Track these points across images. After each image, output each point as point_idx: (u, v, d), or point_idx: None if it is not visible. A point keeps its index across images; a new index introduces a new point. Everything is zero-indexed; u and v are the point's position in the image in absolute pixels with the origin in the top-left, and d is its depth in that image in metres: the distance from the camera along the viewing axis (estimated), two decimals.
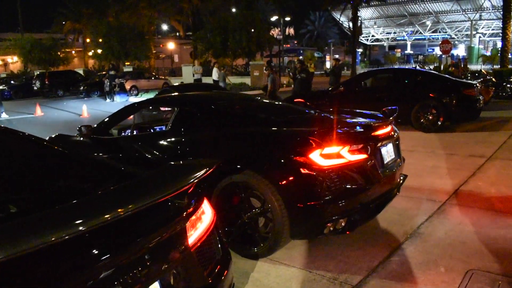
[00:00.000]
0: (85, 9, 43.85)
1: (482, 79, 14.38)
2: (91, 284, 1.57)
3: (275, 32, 37.35)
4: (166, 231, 1.93)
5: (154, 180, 2.12)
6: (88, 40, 45.09)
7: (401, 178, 4.45)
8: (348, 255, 3.70)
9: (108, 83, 22.27)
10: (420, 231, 4.16)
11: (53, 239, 1.45)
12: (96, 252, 1.62)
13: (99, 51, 36.00)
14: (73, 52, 48.88)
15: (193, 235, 2.09)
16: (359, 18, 41.37)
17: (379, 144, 3.89)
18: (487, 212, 4.59)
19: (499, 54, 28.34)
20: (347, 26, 55.05)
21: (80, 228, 1.53)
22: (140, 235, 1.81)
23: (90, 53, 43.87)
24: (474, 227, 4.20)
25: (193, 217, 2.13)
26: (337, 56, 47.45)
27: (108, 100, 22.34)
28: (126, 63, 37.65)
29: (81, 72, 33.94)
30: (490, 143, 8.03)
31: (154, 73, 34.79)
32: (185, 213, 2.08)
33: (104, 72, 23.99)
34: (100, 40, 35.09)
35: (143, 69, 35.25)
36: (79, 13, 44.43)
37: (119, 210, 1.69)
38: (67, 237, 1.49)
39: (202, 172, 2.18)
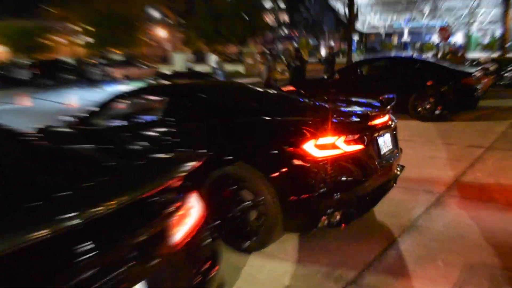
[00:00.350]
0: None
1: (480, 67, 14.24)
2: (74, 284, 1.49)
3: (269, 19, 37.02)
4: (153, 228, 1.82)
5: (141, 173, 2.00)
6: (77, 28, 44.40)
7: (399, 169, 4.34)
8: (343, 249, 3.58)
9: (97, 72, 21.94)
10: (418, 224, 4.05)
11: (33, 237, 1.39)
12: (79, 250, 1.54)
13: (89, 39, 35.43)
14: (62, 40, 48.20)
15: (181, 231, 1.97)
16: (355, 5, 40.95)
17: (376, 134, 3.77)
18: (486, 204, 4.48)
19: (497, 43, 28.25)
20: (343, 13, 54.61)
21: (63, 224, 1.45)
22: (125, 232, 1.71)
23: (79, 41, 43.22)
24: (473, 220, 4.09)
25: (181, 212, 2.01)
26: (332, 43, 47.19)
27: (97, 89, 21.96)
28: (116, 52, 37.12)
29: (70, 61, 33.41)
30: (489, 133, 7.92)
31: (145, 61, 34.39)
32: (172, 208, 1.96)
33: (94, 61, 23.54)
34: (90, 28, 34.49)
35: (133, 57, 34.80)
36: (66, 1, 43.66)
37: (103, 205, 1.61)
38: (48, 235, 1.42)
39: (191, 165, 2.06)
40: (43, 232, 1.40)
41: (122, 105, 4.69)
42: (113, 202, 1.63)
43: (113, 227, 1.69)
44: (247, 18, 29.81)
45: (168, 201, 1.99)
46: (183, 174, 2.01)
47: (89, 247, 1.55)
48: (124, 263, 1.65)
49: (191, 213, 2.12)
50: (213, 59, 21.34)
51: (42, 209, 1.62)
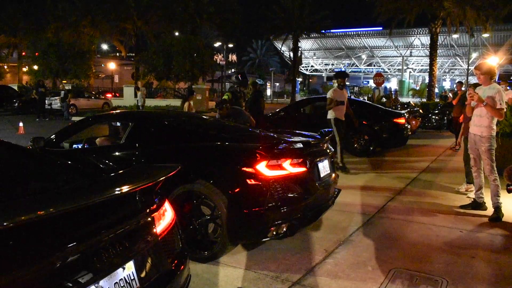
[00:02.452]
0: (22, 24, 42.37)
1: (410, 110, 15.67)
2: (83, 253, 1.87)
3: (218, 57, 38.15)
4: (140, 219, 2.26)
5: (130, 175, 2.44)
6: (24, 54, 43.42)
7: (336, 191, 4.96)
8: (289, 258, 4.10)
9: (40, 101, 21.69)
10: (352, 239, 4.67)
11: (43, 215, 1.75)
12: (87, 230, 1.96)
13: (36, 67, 34.75)
14: (6, 67, 46.91)
15: (160, 226, 2.42)
16: (300, 49, 43.23)
17: (316, 160, 4.39)
18: (409, 223, 5.22)
19: (426, 89, 30.95)
20: (288, 56, 57.15)
21: (73, 206, 1.86)
22: (120, 221, 2.13)
23: (25, 69, 42.23)
24: (398, 235, 4.79)
25: (160, 211, 2.47)
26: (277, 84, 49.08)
27: (37, 119, 21.27)
28: (63, 81, 36.60)
29: (15, 87, 32.54)
30: (415, 167, 8.89)
31: (94, 92, 34.13)
32: (153, 207, 2.41)
33: (42, 89, 23.01)
34: (37, 54, 33.84)
35: (83, 88, 34.50)
36: (15, 27, 42.81)
37: (102, 195, 2.04)
38: (63, 214, 1.80)
39: (167, 173, 2.53)
40: (59, 210, 1.80)
41: (89, 129, 5.03)
42: (108, 193, 2.08)
43: (110, 217, 2.11)
44: (196, 55, 30.62)
45: (150, 201, 2.45)
46: (163, 178, 2.47)
47: (92, 228, 1.98)
48: (118, 245, 2.08)
49: (166, 215, 2.59)
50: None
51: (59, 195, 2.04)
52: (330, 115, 8.34)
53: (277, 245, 4.37)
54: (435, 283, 3.60)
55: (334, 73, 9.36)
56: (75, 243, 1.86)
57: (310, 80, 78.51)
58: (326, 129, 5.28)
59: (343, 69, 71.35)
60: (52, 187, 2.54)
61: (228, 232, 3.84)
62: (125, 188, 2.15)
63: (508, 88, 13.75)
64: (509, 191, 5.24)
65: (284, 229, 3.92)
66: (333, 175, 4.85)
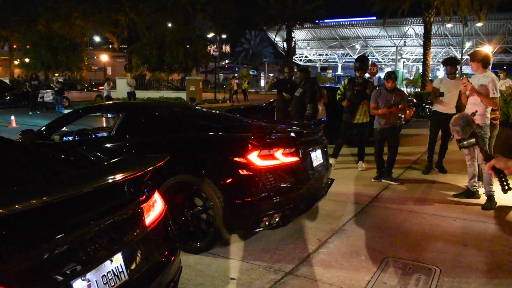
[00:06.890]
0: (13, 16, 41.85)
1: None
2: (68, 246, 1.83)
3: (211, 48, 37.91)
4: (128, 210, 2.22)
5: (117, 165, 2.39)
6: (15, 47, 42.95)
7: (329, 181, 4.94)
8: (282, 249, 4.08)
9: (33, 94, 21.48)
10: (345, 228, 4.66)
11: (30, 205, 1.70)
12: (74, 221, 1.91)
13: (27, 60, 34.36)
14: None
15: (149, 217, 2.38)
16: (293, 39, 43.06)
17: (309, 149, 4.36)
18: (402, 212, 5.22)
19: (420, 79, 31.00)
20: (282, 46, 56.91)
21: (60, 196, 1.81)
22: (106, 212, 2.08)
23: (17, 62, 41.81)
24: (391, 224, 4.79)
25: (150, 202, 2.43)
26: (271, 75, 49.01)
27: (30, 112, 20.95)
28: (56, 74, 36.30)
29: (6, 81, 32.20)
30: (409, 156, 8.89)
31: (86, 85, 33.86)
32: (142, 197, 2.37)
33: (35, 82, 22.77)
34: (28, 47, 33.47)
35: (75, 80, 34.24)
36: (5, 20, 42.29)
37: (88, 185, 1.98)
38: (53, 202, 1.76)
39: (156, 163, 2.48)
40: (45, 201, 1.74)
41: (79, 121, 4.97)
42: (96, 183, 2.03)
43: (97, 208, 2.06)
44: (189, 46, 30.41)
45: (139, 192, 2.40)
46: (150, 168, 2.42)
47: (79, 219, 1.93)
48: (106, 236, 2.03)
49: (155, 206, 2.54)
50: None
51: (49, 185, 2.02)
52: (434, 107, 7.65)
53: (270, 235, 4.35)
54: (428, 272, 3.59)
55: (443, 60, 8.38)
56: (62, 235, 1.82)
57: None
58: (322, 118, 5.24)
59: (336, 60, 71.21)
60: (39, 179, 2.49)
61: (220, 223, 3.81)
62: (113, 178, 2.10)
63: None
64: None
65: (277, 219, 3.89)
66: (326, 164, 4.83)
